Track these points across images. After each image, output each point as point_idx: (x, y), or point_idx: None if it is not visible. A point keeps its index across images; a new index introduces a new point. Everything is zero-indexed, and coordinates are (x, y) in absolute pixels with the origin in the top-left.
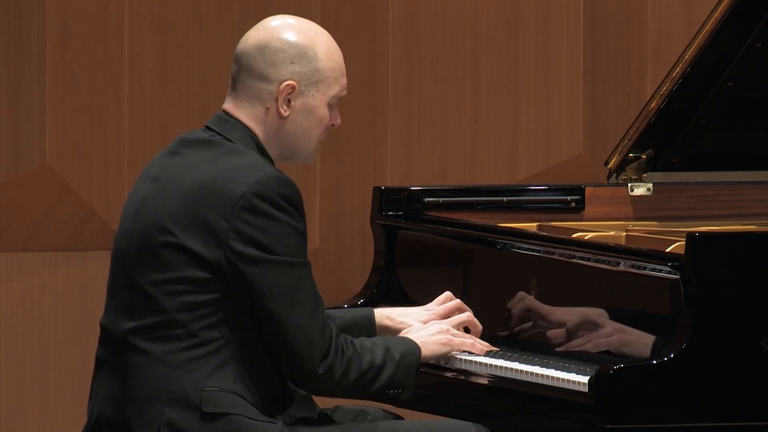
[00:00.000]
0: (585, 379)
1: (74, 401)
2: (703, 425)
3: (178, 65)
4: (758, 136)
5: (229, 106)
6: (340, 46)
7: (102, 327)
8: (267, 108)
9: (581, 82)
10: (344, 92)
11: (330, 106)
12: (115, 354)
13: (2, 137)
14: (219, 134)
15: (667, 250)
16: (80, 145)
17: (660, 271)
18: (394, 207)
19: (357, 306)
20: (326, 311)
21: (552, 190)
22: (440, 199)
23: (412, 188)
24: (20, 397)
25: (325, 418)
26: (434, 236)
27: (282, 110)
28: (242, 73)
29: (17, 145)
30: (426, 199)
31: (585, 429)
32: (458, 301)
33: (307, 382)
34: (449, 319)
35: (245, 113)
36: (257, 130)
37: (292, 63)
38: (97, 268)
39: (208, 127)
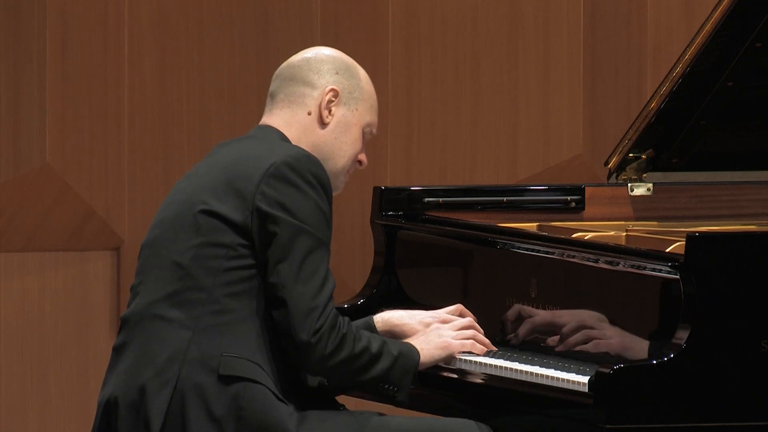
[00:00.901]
0: (585, 379)
1: (74, 401)
2: (703, 425)
3: (178, 65)
4: (758, 136)
5: (266, 119)
6: (340, 46)
7: (123, 319)
8: (309, 113)
9: (581, 82)
10: (374, 131)
11: (362, 135)
12: (136, 331)
13: (2, 137)
14: (254, 136)
15: (667, 250)
16: (80, 145)
17: (660, 271)
18: (394, 207)
19: (357, 306)
20: None
21: (552, 190)
22: (440, 199)
23: (412, 188)
24: (20, 397)
25: (337, 406)
26: (434, 236)
27: (324, 115)
28: (284, 84)
29: (17, 145)
30: (426, 199)
31: (585, 429)
32: (460, 306)
33: (298, 351)
34: (451, 324)
35: (283, 118)
36: (292, 134)
37: (336, 73)
38: (97, 268)
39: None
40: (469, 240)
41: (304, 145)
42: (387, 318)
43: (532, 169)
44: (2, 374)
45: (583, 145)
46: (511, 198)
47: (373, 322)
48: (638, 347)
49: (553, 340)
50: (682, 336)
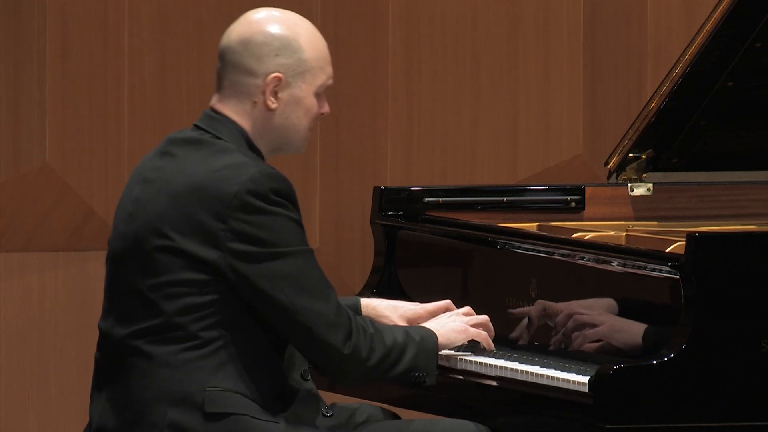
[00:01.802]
0: (585, 379)
1: (74, 401)
2: (703, 425)
3: (178, 65)
4: (758, 136)
5: (216, 103)
6: (340, 46)
7: (101, 330)
8: (254, 102)
9: (581, 82)
10: (330, 81)
11: (317, 95)
12: (115, 359)
13: (2, 137)
14: (208, 132)
15: (667, 250)
16: (80, 145)
17: (660, 271)
18: (394, 207)
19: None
20: None
21: (552, 190)
22: (440, 199)
23: (412, 188)
24: (20, 397)
25: (330, 416)
26: (434, 236)
27: (270, 103)
28: (227, 70)
29: (17, 145)
30: (426, 199)
31: (585, 429)
32: (448, 301)
33: (335, 365)
34: (464, 309)
35: (233, 109)
36: (245, 125)
37: (276, 56)
38: (97, 268)
39: (196, 126)
40: (469, 240)
41: (265, 139)
42: (374, 306)
43: (532, 169)
44: (2, 374)
45: (583, 145)
46: (511, 198)
47: (360, 304)
48: (631, 330)
49: (549, 334)
50: (682, 336)
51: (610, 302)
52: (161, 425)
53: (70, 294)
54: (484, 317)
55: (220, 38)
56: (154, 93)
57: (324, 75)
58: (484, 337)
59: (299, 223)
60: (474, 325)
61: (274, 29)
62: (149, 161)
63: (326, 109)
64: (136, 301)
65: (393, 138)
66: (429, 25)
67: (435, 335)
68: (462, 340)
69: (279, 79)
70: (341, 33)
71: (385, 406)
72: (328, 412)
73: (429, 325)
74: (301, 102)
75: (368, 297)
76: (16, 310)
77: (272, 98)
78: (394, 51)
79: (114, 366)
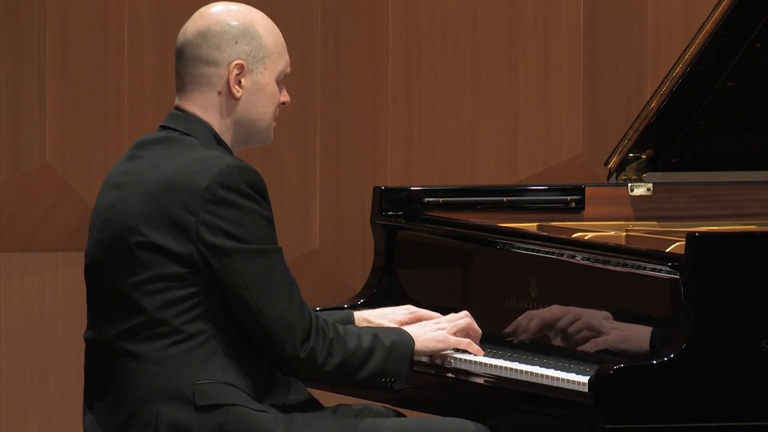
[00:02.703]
0: (585, 379)
1: (74, 401)
2: (703, 425)
3: None
4: (758, 136)
5: (180, 101)
6: (340, 46)
7: (87, 341)
8: (219, 92)
9: (581, 82)
10: (289, 69)
11: (278, 83)
12: (103, 364)
13: (2, 137)
14: (175, 130)
15: (667, 250)
16: (80, 145)
17: (660, 271)
18: (394, 207)
19: (357, 306)
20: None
21: (552, 190)
22: (440, 199)
23: (412, 188)
24: (20, 397)
25: (318, 405)
26: (434, 236)
27: (234, 91)
28: (188, 65)
29: (17, 145)
30: (426, 199)
31: (585, 429)
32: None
33: (291, 367)
34: (449, 316)
35: (197, 103)
36: (211, 119)
37: (236, 43)
38: None
39: (163, 126)
40: (469, 240)
41: (232, 131)
42: (365, 317)
43: (532, 169)
44: (2, 374)
45: (583, 145)
46: (511, 198)
47: (353, 317)
48: (637, 338)
49: (550, 325)
50: (682, 336)
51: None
52: (154, 423)
53: (70, 294)
54: (464, 321)
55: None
56: (154, 93)
57: (283, 61)
58: (467, 343)
59: (270, 220)
60: (456, 332)
61: (231, 18)
62: (118, 167)
63: (287, 97)
64: (117, 302)
65: (393, 138)
66: (429, 25)
67: (412, 341)
68: (441, 349)
69: (241, 66)
70: (341, 33)
71: (388, 405)
72: (321, 407)
73: (409, 329)
74: (264, 89)
75: (368, 298)
76: (16, 310)
77: (236, 87)
78: (394, 51)
79: (103, 371)
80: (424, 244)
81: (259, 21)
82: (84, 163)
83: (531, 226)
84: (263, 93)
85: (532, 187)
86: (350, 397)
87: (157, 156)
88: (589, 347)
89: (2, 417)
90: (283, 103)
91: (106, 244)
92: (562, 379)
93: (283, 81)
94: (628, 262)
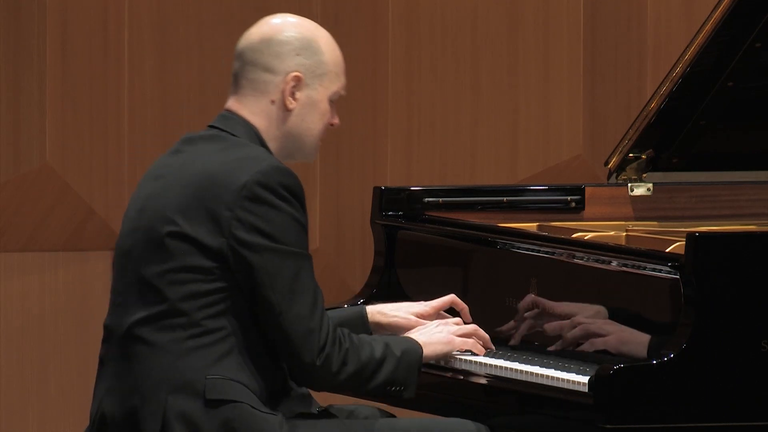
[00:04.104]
0: (585, 379)
1: (74, 401)
2: (703, 425)
3: (178, 65)
4: (758, 136)
5: (232, 103)
6: (340, 46)
7: (106, 327)
8: (272, 101)
9: (581, 82)
10: (343, 91)
11: (330, 103)
12: (118, 349)
13: (2, 137)
14: (223, 130)
15: (667, 250)
16: (80, 145)
17: (660, 271)
18: (394, 207)
19: (357, 306)
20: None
21: (552, 190)
22: (440, 199)
23: (412, 188)
24: (20, 397)
25: (324, 413)
26: (434, 236)
27: (288, 102)
28: (246, 68)
29: (17, 145)
30: (426, 199)
31: (585, 429)
32: (453, 296)
33: (305, 374)
34: (454, 319)
35: (249, 108)
36: (260, 124)
37: (297, 55)
38: (97, 268)
39: (211, 126)
40: (469, 240)
41: (278, 140)
42: (379, 309)
43: (532, 169)
44: (2, 374)
45: (583, 145)
46: (511, 198)
47: (366, 312)
48: (637, 342)
49: (551, 327)
50: (682, 336)
51: (600, 309)
52: (162, 412)
53: (70, 294)
54: (472, 327)
55: (221, 39)
56: (154, 93)
57: (339, 82)
58: (471, 344)
59: (303, 226)
60: (462, 335)
61: (296, 30)
62: (162, 160)
63: (336, 120)
64: (142, 289)
65: (393, 138)
66: (429, 25)
67: (420, 348)
68: (448, 351)
69: (299, 78)
70: (341, 33)
71: (383, 406)
72: (316, 409)
73: (416, 336)
74: (317, 105)
75: (368, 298)
76: (16, 310)
77: (290, 98)
78: (394, 51)
79: (116, 357)
80: (424, 244)
81: (323, 38)
82: (84, 163)
83: (531, 226)
84: (315, 109)
85: (532, 187)
86: (342, 397)
87: (200, 151)
88: (588, 348)
89: (2, 417)
90: (332, 125)
91: (139, 233)
92: (562, 379)
93: (335, 102)
94: (628, 262)
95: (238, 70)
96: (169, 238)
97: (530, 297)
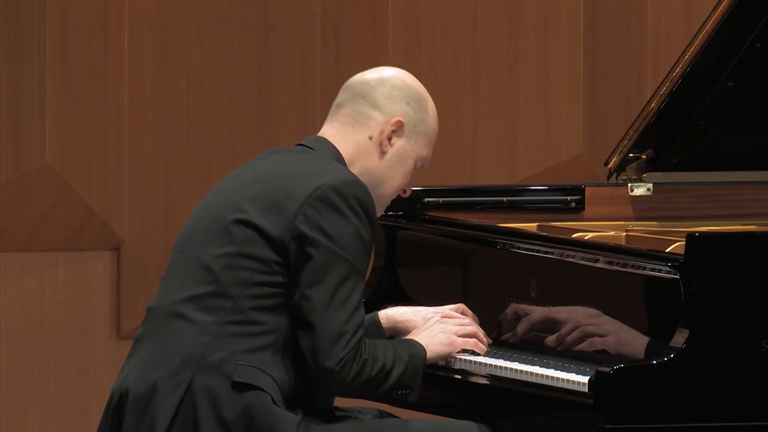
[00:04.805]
0: (585, 379)
1: (74, 401)
2: (703, 425)
3: (178, 65)
4: (758, 136)
5: (325, 130)
6: (340, 46)
7: (148, 309)
8: (370, 137)
9: (581, 82)
10: (426, 163)
11: (414, 167)
12: (157, 326)
13: (2, 137)
14: (310, 148)
15: (667, 250)
16: (80, 145)
17: (660, 271)
18: (394, 207)
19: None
20: None
21: (552, 190)
22: (440, 199)
23: (412, 188)
24: (20, 397)
25: (339, 412)
26: (434, 236)
27: (384, 145)
28: (354, 99)
29: (17, 145)
30: (426, 199)
31: (585, 429)
32: (462, 305)
33: (321, 377)
34: (454, 320)
35: (343, 137)
36: (348, 155)
37: (407, 104)
38: (97, 268)
39: (299, 144)
40: (469, 240)
41: (357, 167)
42: (391, 314)
43: (532, 169)
44: (2, 374)
45: (583, 145)
46: (511, 198)
47: (378, 318)
48: (636, 343)
49: (551, 339)
50: (682, 336)
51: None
52: (184, 386)
53: (70, 294)
54: (472, 328)
55: (221, 39)
56: (154, 93)
57: (429, 150)
58: (473, 343)
59: (365, 243)
60: (463, 335)
61: (412, 82)
62: (241, 166)
63: (409, 191)
64: (196, 270)
65: None
66: (429, 25)
67: (424, 352)
68: (450, 352)
69: (401, 124)
70: (341, 33)
71: (384, 407)
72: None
73: (418, 337)
74: (405, 160)
75: (368, 298)
76: (16, 310)
77: (387, 141)
78: (394, 51)
79: (153, 333)
80: (424, 244)
81: (431, 103)
82: (84, 163)
83: (531, 226)
84: (403, 163)
85: (532, 187)
86: (343, 399)
87: (281, 158)
88: (588, 348)
89: (2, 417)
90: (404, 192)
91: (205, 220)
92: (562, 379)
93: (415, 171)
94: (628, 262)
95: (343, 101)
96: (234, 225)
97: (513, 306)
